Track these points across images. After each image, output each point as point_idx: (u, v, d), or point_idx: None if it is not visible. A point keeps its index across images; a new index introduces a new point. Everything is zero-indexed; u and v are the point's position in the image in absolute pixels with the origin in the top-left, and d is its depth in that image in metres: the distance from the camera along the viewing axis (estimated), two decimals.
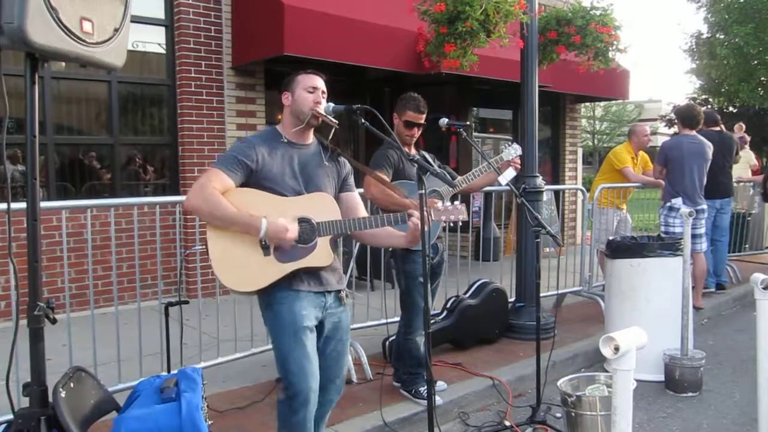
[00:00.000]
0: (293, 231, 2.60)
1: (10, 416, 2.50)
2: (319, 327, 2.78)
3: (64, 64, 6.03)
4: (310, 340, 2.69)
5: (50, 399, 2.38)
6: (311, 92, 2.74)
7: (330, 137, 2.85)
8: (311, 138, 2.85)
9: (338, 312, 2.85)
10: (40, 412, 2.33)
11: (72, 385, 2.55)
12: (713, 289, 7.01)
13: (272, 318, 2.69)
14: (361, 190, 3.52)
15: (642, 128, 7.02)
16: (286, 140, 2.76)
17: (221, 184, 2.58)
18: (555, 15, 6.16)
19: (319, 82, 2.78)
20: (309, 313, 2.69)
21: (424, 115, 3.91)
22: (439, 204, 2.78)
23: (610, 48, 6.33)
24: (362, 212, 2.92)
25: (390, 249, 3.94)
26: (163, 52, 6.93)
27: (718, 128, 7.06)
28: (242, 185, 2.64)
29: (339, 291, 2.84)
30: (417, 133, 3.92)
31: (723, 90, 18.21)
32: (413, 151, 3.98)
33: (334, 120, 2.76)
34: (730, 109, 19.36)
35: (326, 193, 2.78)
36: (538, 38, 5.64)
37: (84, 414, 2.55)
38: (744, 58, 15.73)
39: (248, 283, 2.64)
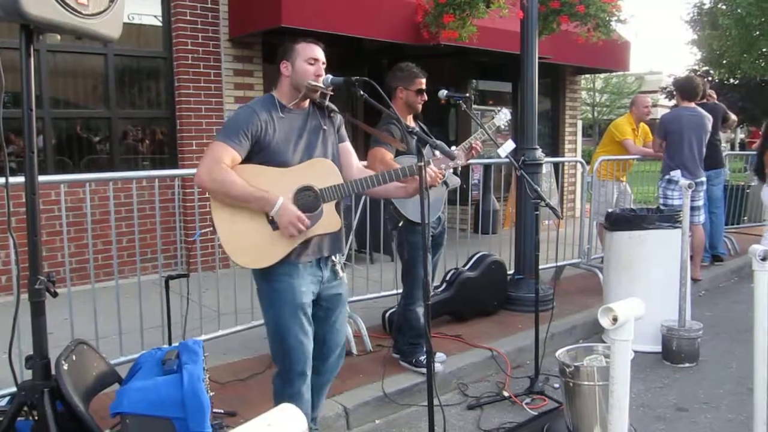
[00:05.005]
0: (302, 223, 2.58)
1: (14, 389, 2.53)
2: (318, 299, 2.81)
3: (59, 36, 5.95)
4: (307, 316, 2.73)
5: (53, 372, 2.41)
6: (312, 64, 2.70)
7: (326, 102, 2.84)
8: (307, 102, 2.82)
9: (336, 284, 2.87)
10: (43, 384, 2.36)
11: (74, 357, 2.57)
12: (707, 263, 7.04)
13: (270, 292, 2.70)
14: (365, 162, 3.53)
15: (643, 99, 6.99)
16: (284, 108, 2.73)
17: (230, 159, 2.56)
18: None
19: (320, 53, 2.75)
20: (307, 289, 2.72)
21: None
22: (437, 152, 2.78)
23: (612, 18, 6.27)
24: (355, 161, 2.94)
25: (397, 224, 3.93)
26: (160, 24, 6.84)
27: (704, 100, 7.02)
28: (247, 154, 2.63)
29: (334, 264, 2.85)
30: (425, 97, 3.93)
31: (724, 62, 18.06)
32: (412, 123, 3.97)
33: (331, 91, 2.74)
34: (731, 80, 19.20)
35: (326, 159, 2.77)
36: (540, 8, 5.57)
37: (86, 386, 2.58)
38: (746, 28, 15.57)
39: (262, 259, 2.65)
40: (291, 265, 2.67)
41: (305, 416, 2.82)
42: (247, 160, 2.63)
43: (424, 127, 4.06)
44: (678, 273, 4.51)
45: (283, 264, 2.66)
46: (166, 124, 6.97)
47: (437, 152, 2.79)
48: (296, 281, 2.67)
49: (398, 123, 3.47)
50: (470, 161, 4.11)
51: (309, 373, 2.77)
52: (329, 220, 2.71)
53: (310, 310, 2.75)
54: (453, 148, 3.49)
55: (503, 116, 4.10)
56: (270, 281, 2.69)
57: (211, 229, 2.64)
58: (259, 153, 2.64)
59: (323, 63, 2.75)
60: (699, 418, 3.66)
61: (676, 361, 4.48)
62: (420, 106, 3.92)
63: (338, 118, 2.92)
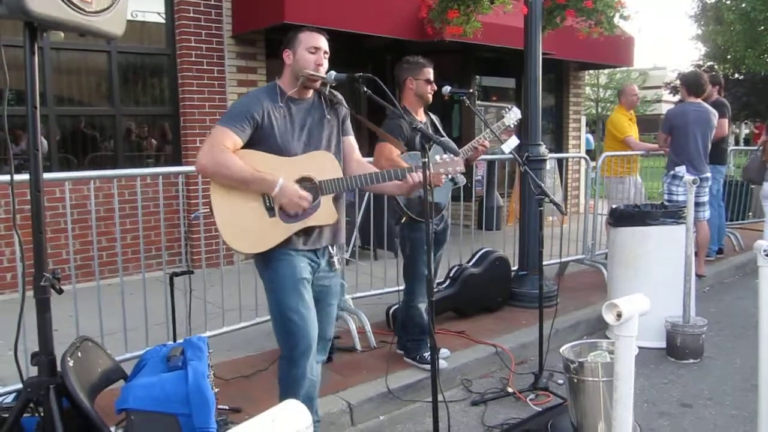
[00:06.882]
0: (306, 199, 2.61)
1: (19, 385, 2.54)
2: (310, 286, 2.81)
3: (62, 34, 5.95)
4: (308, 292, 2.74)
5: (58, 368, 2.41)
6: (313, 53, 2.70)
7: (328, 91, 2.83)
8: (311, 92, 2.81)
9: (329, 277, 2.88)
10: (49, 380, 2.36)
11: (79, 354, 2.58)
12: (712, 258, 7.03)
13: (271, 273, 2.71)
14: (371, 159, 3.54)
15: (630, 87, 7.06)
16: (286, 97, 2.73)
17: (232, 143, 2.57)
18: None
19: (322, 42, 2.74)
20: (305, 267, 2.73)
21: None
22: (438, 157, 2.78)
23: (616, 14, 6.26)
24: (357, 155, 2.94)
25: (400, 219, 3.93)
26: (163, 21, 6.85)
27: (720, 95, 6.99)
28: (248, 141, 2.63)
29: (331, 255, 2.85)
30: (434, 87, 3.93)
31: (729, 57, 17.98)
32: (423, 116, 3.97)
33: (332, 81, 2.73)
34: (736, 76, 19.10)
35: (326, 152, 2.77)
36: (545, 3, 5.56)
37: (92, 382, 2.59)
38: (751, 23, 15.48)
39: (256, 245, 2.67)
40: (289, 249, 2.69)
41: (312, 399, 2.83)
42: (248, 148, 2.64)
43: (436, 121, 4.06)
44: (682, 269, 4.50)
45: (281, 248, 2.67)
46: (169, 121, 6.99)
47: (438, 156, 2.79)
48: (295, 259, 2.70)
49: (404, 119, 3.47)
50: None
51: (313, 352, 2.75)
52: (325, 212, 2.72)
53: (310, 288, 2.76)
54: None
55: (513, 115, 4.08)
56: (269, 262, 2.70)
57: (209, 211, 2.65)
58: (260, 141, 2.65)
59: (326, 53, 2.74)
60: (703, 414, 3.66)
61: (681, 357, 4.48)
62: (431, 96, 3.92)
63: (343, 110, 2.92)
